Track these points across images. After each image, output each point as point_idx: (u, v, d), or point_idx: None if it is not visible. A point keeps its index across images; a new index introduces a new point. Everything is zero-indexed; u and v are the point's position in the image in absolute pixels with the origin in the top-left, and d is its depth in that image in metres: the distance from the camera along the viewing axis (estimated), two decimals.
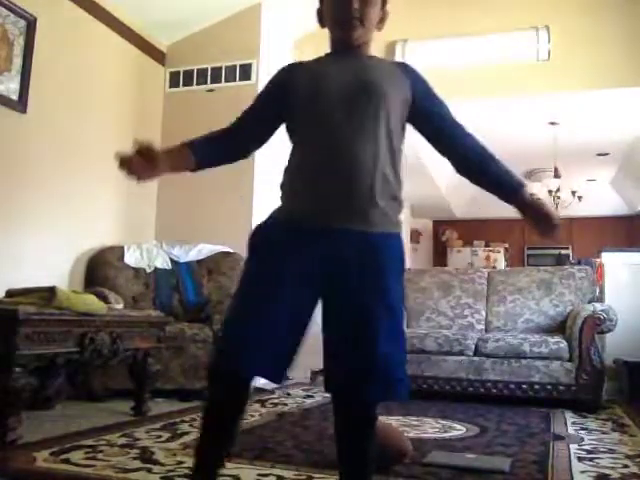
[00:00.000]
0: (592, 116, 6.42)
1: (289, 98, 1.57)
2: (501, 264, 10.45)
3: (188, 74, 4.94)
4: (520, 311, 4.44)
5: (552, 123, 6.73)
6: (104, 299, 3.22)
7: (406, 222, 9.83)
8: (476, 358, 3.94)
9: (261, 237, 1.56)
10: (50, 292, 2.63)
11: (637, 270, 4.87)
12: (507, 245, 10.87)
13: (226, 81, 4.79)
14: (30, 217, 3.69)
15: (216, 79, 4.84)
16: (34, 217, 3.71)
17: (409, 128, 1.63)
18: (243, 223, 4.06)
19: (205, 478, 1.49)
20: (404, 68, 1.64)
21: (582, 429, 3.08)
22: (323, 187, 1.49)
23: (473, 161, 1.60)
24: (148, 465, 2.10)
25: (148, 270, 4.26)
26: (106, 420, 2.91)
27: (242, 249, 1.65)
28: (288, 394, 4.07)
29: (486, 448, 2.56)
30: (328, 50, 1.64)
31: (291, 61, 1.69)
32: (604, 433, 2.98)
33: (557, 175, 7.80)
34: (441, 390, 3.97)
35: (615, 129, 6.87)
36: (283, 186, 1.59)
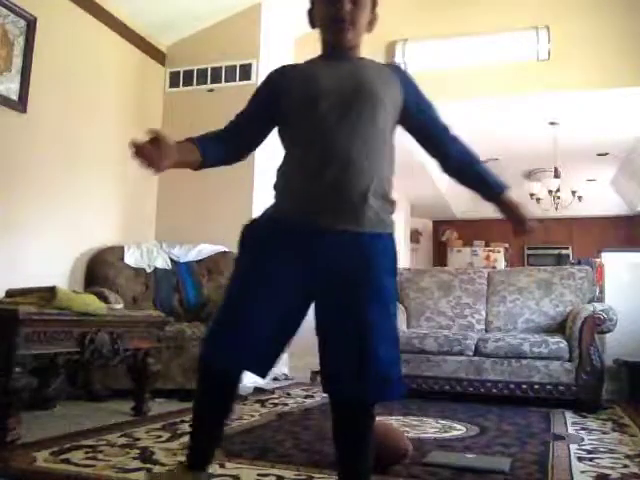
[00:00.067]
0: (592, 116, 6.42)
1: (281, 101, 1.58)
2: (501, 264, 10.45)
3: (188, 74, 4.94)
4: (520, 311, 4.44)
5: (552, 123, 6.73)
6: (104, 299, 3.22)
7: (406, 222, 9.83)
8: (476, 358, 3.94)
9: (253, 235, 1.59)
10: (50, 292, 2.63)
11: (637, 270, 4.87)
12: (507, 245, 10.87)
13: (226, 81, 4.79)
14: (30, 217, 3.69)
15: (216, 79, 4.84)
16: (34, 217, 3.71)
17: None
18: (243, 223, 4.06)
19: (199, 463, 1.57)
20: (395, 70, 1.66)
21: (582, 429, 3.08)
22: (315, 188, 1.50)
23: (459, 162, 1.66)
24: (148, 465, 2.09)
25: (148, 270, 4.27)
26: (106, 420, 2.91)
27: None
28: (288, 394, 4.07)
29: (486, 448, 2.56)
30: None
31: (291, 61, 1.70)
32: (604, 433, 2.98)
33: (557, 175, 7.80)
34: (441, 390, 3.97)
35: (615, 129, 6.87)
36: (277, 186, 1.61)
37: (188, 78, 4.94)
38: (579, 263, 5.58)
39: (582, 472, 2.19)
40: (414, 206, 9.82)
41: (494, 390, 3.86)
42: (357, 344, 1.45)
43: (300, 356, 4.26)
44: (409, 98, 1.61)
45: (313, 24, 1.65)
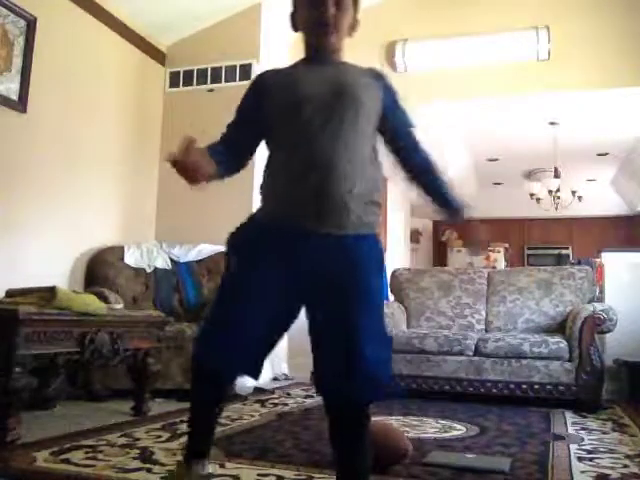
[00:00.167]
0: (592, 116, 6.43)
1: (265, 105, 1.60)
2: (501, 264, 10.43)
3: (188, 74, 4.94)
4: (520, 311, 4.44)
5: (552, 123, 6.73)
6: (104, 299, 3.23)
7: (406, 222, 9.83)
8: (476, 358, 3.94)
9: (242, 239, 1.61)
10: (50, 292, 2.63)
11: (637, 270, 4.87)
12: (507, 245, 10.87)
13: (226, 81, 4.79)
14: (30, 217, 3.69)
15: (216, 79, 4.85)
16: (34, 217, 3.71)
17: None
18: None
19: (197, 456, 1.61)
20: (376, 75, 1.67)
21: (582, 429, 3.08)
22: (299, 192, 1.52)
23: (419, 171, 1.70)
24: (148, 465, 2.10)
25: (148, 270, 4.27)
26: (106, 420, 2.91)
27: None
28: (288, 394, 4.07)
29: (486, 448, 2.56)
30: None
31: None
32: (604, 433, 2.98)
33: (557, 175, 7.80)
34: (441, 390, 3.97)
35: (615, 129, 6.87)
36: (262, 189, 1.62)
37: (188, 78, 4.94)
38: (579, 263, 5.58)
39: (582, 472, 2.19)
40: (414, 206, 9.82)
41: (494, 390, 3.86)
42: (344, 345, 1.47)
43: (300, 356, 4.26)
44: (386, 104, 1.63)
45: (296, 28, 1.66)
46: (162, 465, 2.10)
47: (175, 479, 1.69)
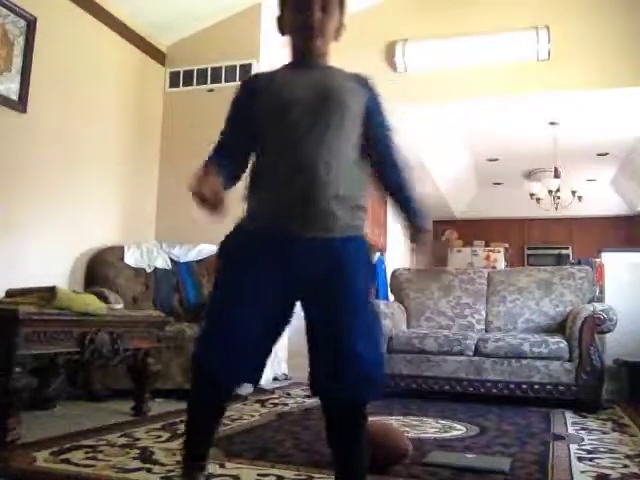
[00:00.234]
0: (592, 116, 6.43)
1: (253, 109, 1.59)
2: (501, 264, 10.44)
3: (188, 74, 4.94)
4: (520, 311, 4.44)
5: (552, 123, 6.73)
6: (104, 299, 3.23)
7: None
8: (476, 358, 3.94)
9: (232, 246, 1.61)
10: (50, 292, 2.63)
11: (637, 270, 4.87)
12: (507, 245, 10.87)
13: (226, 81, 4.79)
14: (30, 217, 3.69)
15: (216, 79, 4.85)
16: (34, 217, 3.71)
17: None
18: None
19: (195, 461, 1.60)
20: (361, 80, 1.67)
21: (582, 429, 3.08)
22: (285, 196, 1.52)
23: (395, 190, 1.69)
24: (148, 465, 2.10)
25: (148, 270, 4.27)
26: (106, 420, 2.91)
27: None
28: (288, 394, 4.07)
29: (486, 448, 2.56)
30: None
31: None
32: (604, 433, 2.98)
33: (557, 175, 7.81)
34: (441, 390, 3.97)
35: (615, 129, 6.88)
36: (248, 194, 1.62)
37: (188, 78, 4.94)
38: (579, 263, 5.58)
39: (582, 472, 2.19)
40: None
41: (494, 390, 3.86)
42: (332, 347, 1.48)
43: (300, 356, 4.26)
44: (370, 110, 1.63)
45: (282, 31, 1.66)
46: (162, 465, 2.10)
47: None
